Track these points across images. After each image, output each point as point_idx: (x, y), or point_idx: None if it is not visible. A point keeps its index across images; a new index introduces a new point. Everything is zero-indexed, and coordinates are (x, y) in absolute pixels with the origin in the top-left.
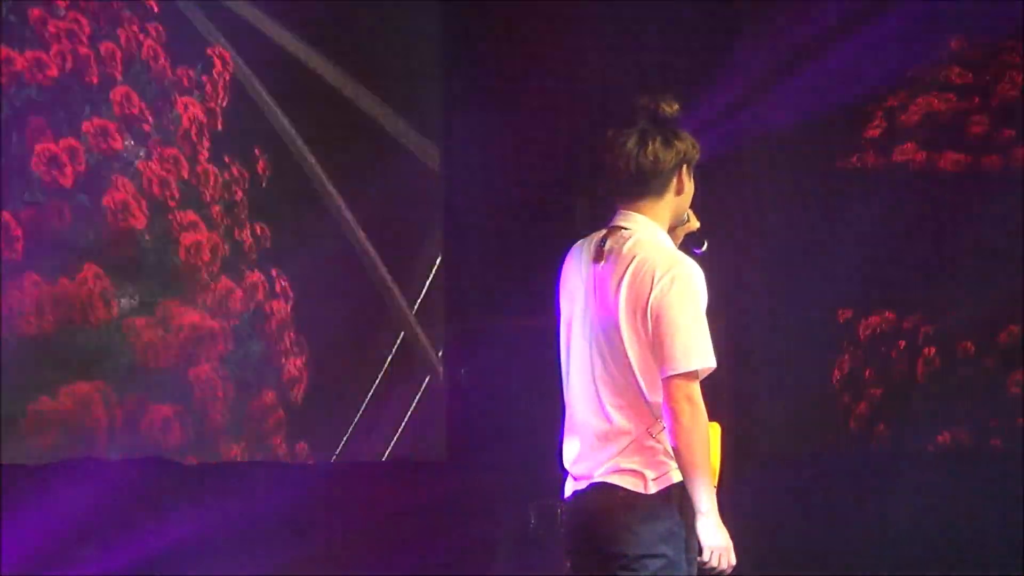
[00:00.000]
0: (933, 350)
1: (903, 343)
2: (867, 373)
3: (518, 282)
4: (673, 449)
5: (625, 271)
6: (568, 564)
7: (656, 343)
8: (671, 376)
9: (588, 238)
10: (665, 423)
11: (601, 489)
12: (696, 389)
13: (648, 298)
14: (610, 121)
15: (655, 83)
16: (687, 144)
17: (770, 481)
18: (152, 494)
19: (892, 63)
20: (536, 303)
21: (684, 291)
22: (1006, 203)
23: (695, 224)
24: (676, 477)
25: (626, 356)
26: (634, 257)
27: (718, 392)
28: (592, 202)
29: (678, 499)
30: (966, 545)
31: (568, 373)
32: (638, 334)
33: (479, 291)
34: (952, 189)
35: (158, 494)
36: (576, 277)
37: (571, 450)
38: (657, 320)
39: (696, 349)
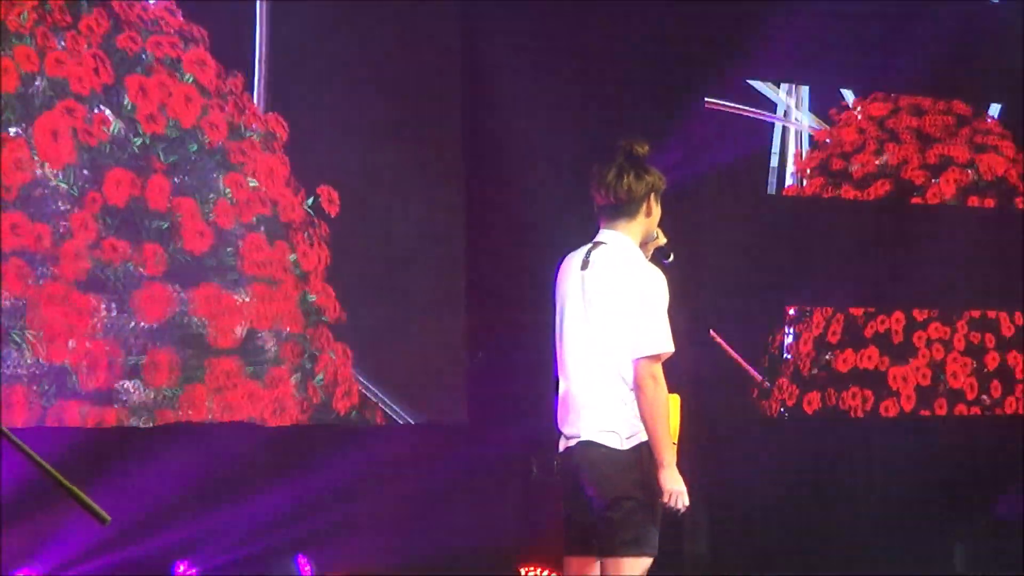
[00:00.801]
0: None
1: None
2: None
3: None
4: (640, 416)
5: (603, 277)
6: (567, 510)
7: (625, 332)
8: (638, 359)
9: (577, 250)
10: (634, 385)
11: (586, 445)
12: (658, 369)
13: (620, 298)
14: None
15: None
16: (655, 177)
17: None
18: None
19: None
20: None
21: (648, 292)
22: None
23: (663, 240)
24: (644, 437)
25: (605, 342)
26: (610, 267)
27: (678, 371)
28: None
29: (646, 454)
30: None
31: (562, 355)
32: (614, 326)
33: (498, 283)
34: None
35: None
36: (568, 280)
37: (563, 415)
38: (626, 315)
39: (657, 337)
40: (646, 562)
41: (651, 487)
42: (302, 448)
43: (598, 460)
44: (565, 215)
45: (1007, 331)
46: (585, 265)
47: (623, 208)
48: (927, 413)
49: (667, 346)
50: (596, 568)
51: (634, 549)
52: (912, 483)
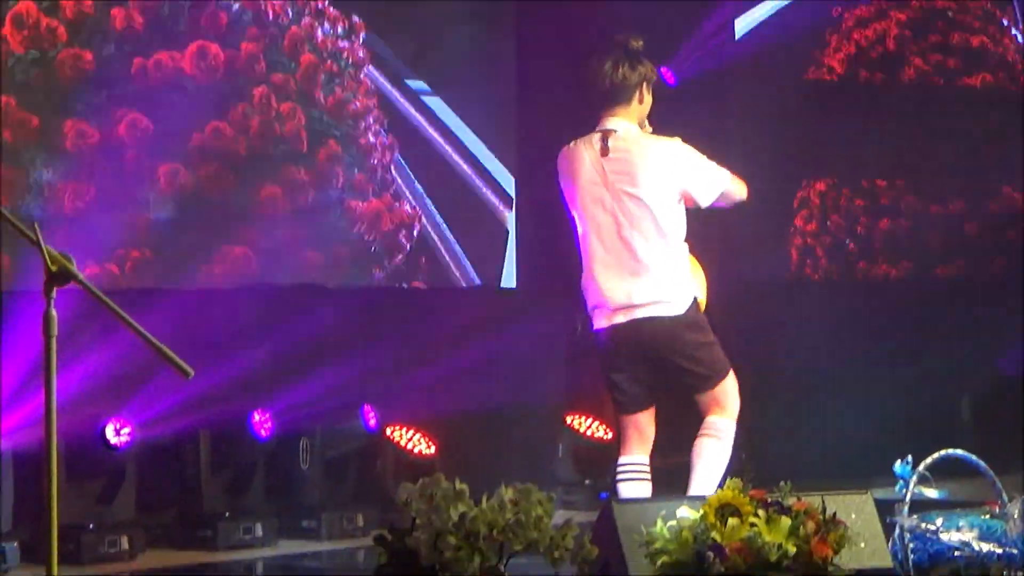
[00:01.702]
0: None
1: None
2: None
3: None
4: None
5: (639, 156)
6: (626, 373)
7: (699, 185)
8: (717, 197)
9: (577, 141)
10: (730, 205)
11: (651, 316)
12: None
13: (673, 165)
14: None
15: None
16: (647, 68)
17: None
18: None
19: None
20: None
21: (685, 149)
22: None
23: (649, 130)
24: (691, 297)
25: (651, 213)
26: (639, 146)
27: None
28: None
29: (698, 308)
30: None
31: (588, 236)
32: (665, 195)
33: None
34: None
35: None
36: (584, 169)
37: (609, 290)
38: (691, 175)
39: (722, 172)
40: (732, 376)
41: (709, 328)
42: (366, 311)
43: (669, 326)
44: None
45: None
46: (606, 152)
47: (619, 95)
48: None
49: (727, 172)
50: (652, 420)
51: (724, 371)
52: (920, 340)
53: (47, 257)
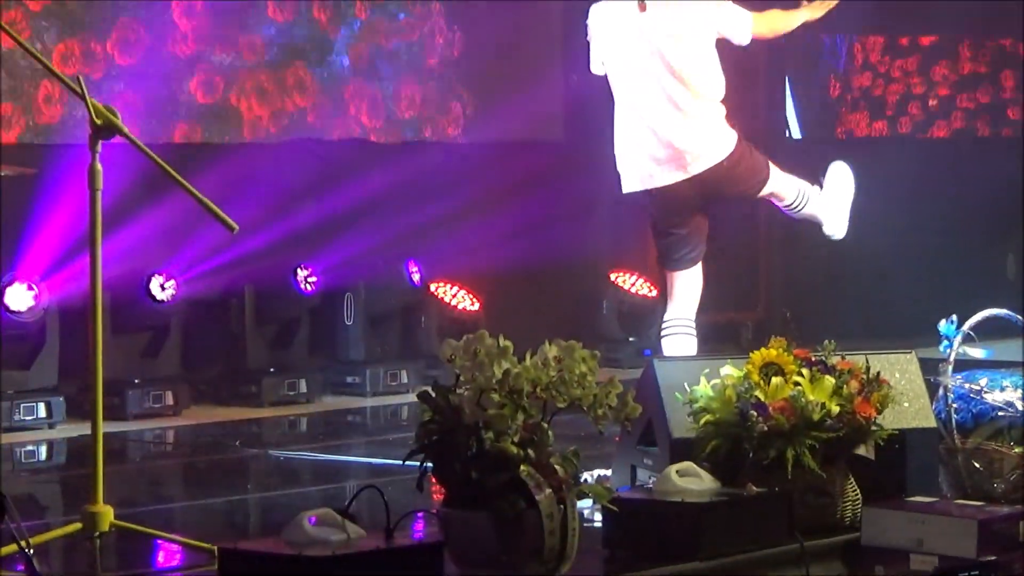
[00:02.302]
0: None
1: None
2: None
3: None
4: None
5: (672, 5)
6: (680, 230)
7: (724, 30)
8: (747, 34)
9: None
10: (776, 36)
11: (703, 171)
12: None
13: (702, 11)
14: None
15: None
16: None
17: None
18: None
19: None
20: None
21: None
22: None
23: None
24: (735, 134)
25: (692, 63)
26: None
27: None
28: None
29: (745, 145)
30: None
31: (635, 96)
32: (702, 45)
33: None
34: None
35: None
36: (624, 26)
37: (657, 149)
38: (718, 19)
39: (746, 16)
40: None
41: (760, 159)
42: (410, 164)
43: (725, 169)
44: None
45: None
46: (643, 7)
47: None
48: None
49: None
50: (699, 277)
51: (766, 176)
52: (968, 200)
53: (92, 110)
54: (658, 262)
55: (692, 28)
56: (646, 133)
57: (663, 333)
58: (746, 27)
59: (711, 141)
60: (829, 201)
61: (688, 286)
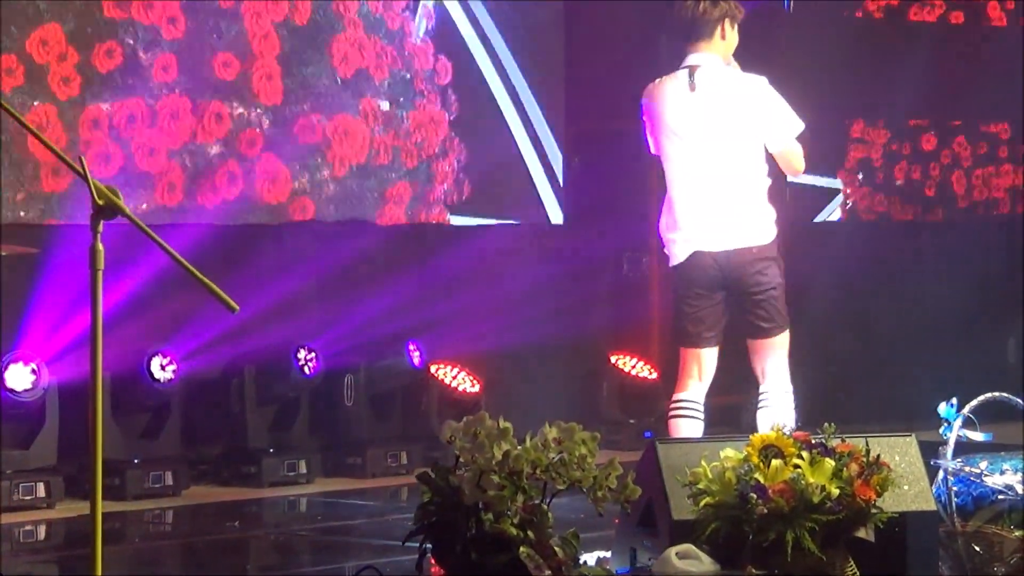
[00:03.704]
0: None
1: None
2: None
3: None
4: (793, 174)
5: (721, 91)
6: (699, 304)
7: (769, 127)
8: (789, 141)
9: (663, 78)
10: (788, 170)
11: (736, 248)
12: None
13: (751, 102)
14: None
15: None
16: (730, 4)
17: None
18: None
19: None
20: (635, 111)
21: (771, 90)
22: None
23: (735, 68)
24: (775, 230)
25: (736, 147)
26: (722, 81)
27: None
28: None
29: (777, 244)
30: None
31: (680, 171)
32: (745, 130)
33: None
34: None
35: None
36: (672, 104)
37: (691, 223)
38: (766, 115)
39: (795, 119)
40: (787, 333)
41: (783, 270)
42: (410, 246)
43: (753, 258)
44: (657, 30)
45: None
46: (693, 87)
47: (700, 30)
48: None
49: (802, 124)
50: (714, 359)
51: (785, 326)
52: (969, 282)
53: (94, 190)
54: (673, 338)
55: (737, 114)
56: (685, 208)
57: (670, 413)
58: (786, 138)
59: (746, 223)
60: None
61: (701, 366)
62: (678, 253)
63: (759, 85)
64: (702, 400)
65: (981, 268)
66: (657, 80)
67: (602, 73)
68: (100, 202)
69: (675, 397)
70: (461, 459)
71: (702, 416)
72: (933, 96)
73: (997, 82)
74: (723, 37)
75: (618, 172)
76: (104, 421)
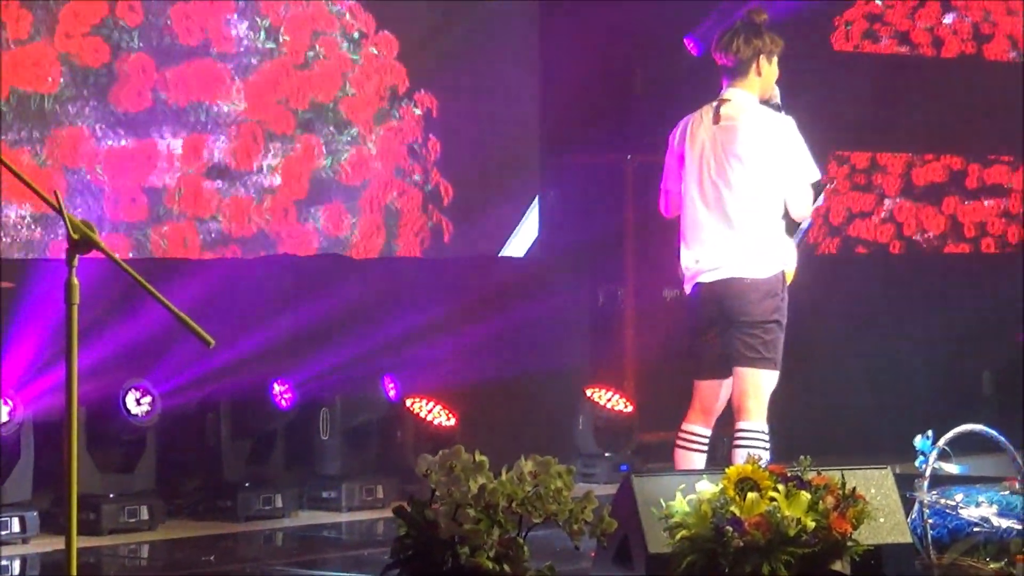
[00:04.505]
0: None
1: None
2: None
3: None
4: (800, 218)
5: (744, 126)
6: (702, 336)
7: (784, 168)
8: (803, 187)
9: (700, 110)
10: (795, 214)
11: (735, 277)
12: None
13: (771, 141)
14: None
15: None
16: (764, 41)
17: None
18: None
19: None
20: (610, 144)
21: (792, 132)
22: None
23: (777, 98)
24: (780, 267)
25: (752, 183)
26: (747, 117)
27: None
28: (646, 70)
29: (782, 281)
30: None
31: (693, 201)
32: (762, 167)
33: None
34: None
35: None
36: (699, 135)
37: (699, 253)
38: (782, 156)
39: (813, 166)
40: (776, 376)
41: (784, 311)
42: (385, 279)
43: (748, 288)
44: (634, 64)
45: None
46: (717, 119)
47: (735, 68)
48: (961, 250)
49: (818, 173)
50: (726, 389)
51: (772, 364)
52: (944, 314)
53: (69, 225)
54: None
55: (755, 148)
56: (696, 236)
57: (677, 443)
58: (799, 182)
59: (744, 255)
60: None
61: (703, 398)
62: (686, 286)
63: (784, 125)
64: (704, 432)
65: (956, 301)
66: (695, 112)
67: (578, 107)
68: (75, 236)
69: (682, 427)
70: (437, 493)
71: (704, 448)
72: (898, 130)
73: (941, 116)
74: (759, 73)
75: (594, 205)
76: (79, 455)
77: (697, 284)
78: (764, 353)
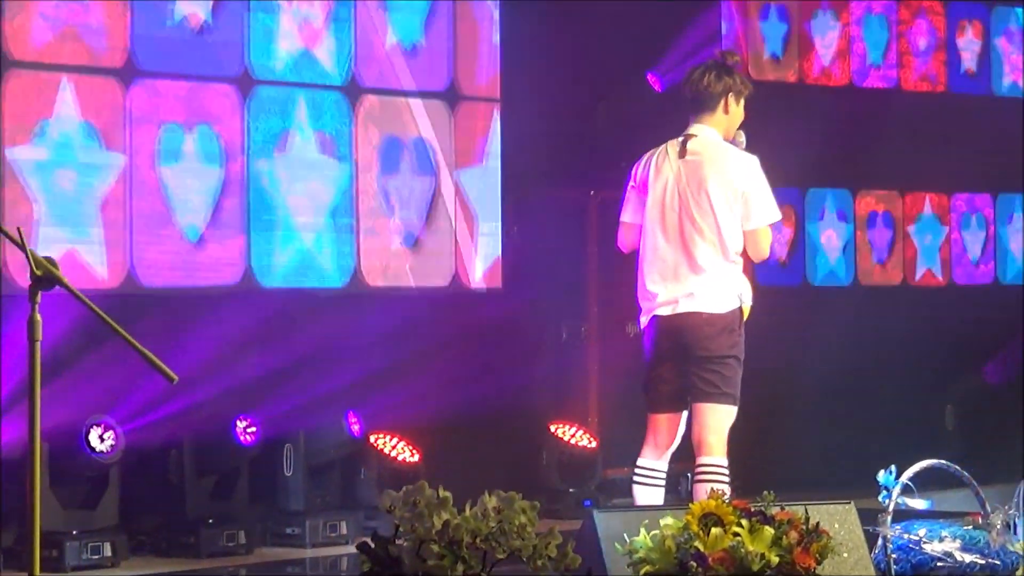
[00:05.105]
0: None
1: None
2: None
3: (561, 163)
4: (760, 259)
5: (710, 162)
6: (658, 370)
7: (746, 207)
8: (760, 227)
9: (666, 144)
10: (753, 253)
11: (692, 311)
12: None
13: (735, 179)
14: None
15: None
16: (735, 80)
17: None
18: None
19: None
20: (573, 180)
21: (755, 170)
22: None
23: (742, 141)
24: (737, 303)
25: (715, 218)
26: (713, 153)
27: None
28: (609, 105)
29: (739, 317)
30: None
31: (658, 234)
32: (725, 204)
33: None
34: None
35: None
36: (664, 169)
37: (660, 285)
38: (746, 195)
39: (774, 207)
40: (734, 411)
41: (742, 346)
42: (349, 313)
43: (705, 322)
44: (598, 99)
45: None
46: (683, 154)
47: (702, 102)
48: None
49: (779, 214)
50: (682, 424)
51: (731, 400)
52: (906, 349)
53: (32, 261)
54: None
55: (717, 185)
56: (658, 272)
57: (634, 479)
58: (760, 219)
59: (702, 290)
60: None
61: (658, 432)
62: (642, 319)
63: (747, 164)
64: (660, 466)
65: (919, 335)
66: (660, 147)
67: (541, 142)
68: (38, 272)
69: (638, 463)
70: (401, 529)
71: (661, 483)
72: (861, 166)
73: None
74: (726, 111)
75: (557, 241)
76: (42, 492)
77: (655, 317)
78: (723, 388)
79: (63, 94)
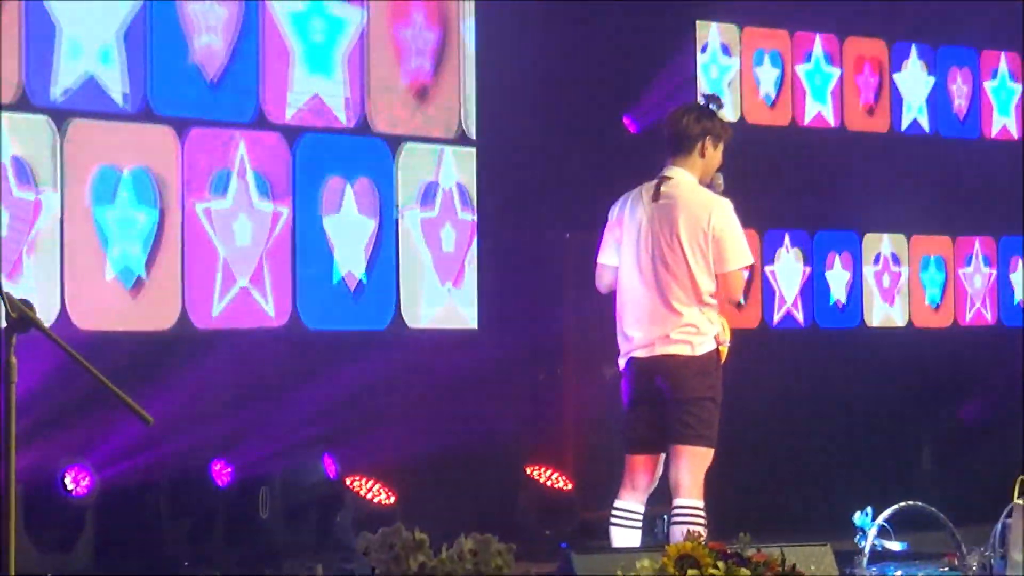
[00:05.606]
0: None
1: None
2: None
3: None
4: (732, 303)
5: (682, 205)
6: (636, 412)
7: (718, 251)
8: (733, 270)
9: (642, 186)
10: (725, 297)
11: (668, 353)
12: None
13: (706, 223)
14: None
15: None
16: (714, 123)
17: None
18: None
19: None
20: (551, 220)
21: (729, 214)
22: None
23: (720, 186)
24: (714, 345)
25: (687, 262)
26: (686, 196)
27: None
28: (583, 150)
29: (716, 359)
30: None
31: (633, 275)
32: (696, 247)
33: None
34: None
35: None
36: (638, 211)
37: (636, 326)
38: (717, 238)
39: (747, 251)
40: (711, 453)
41: (719, 389)
42: (324, 354)
43: (681, 365)
44: (570, 139)
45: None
46: (657, 197)
47: (679, 143)
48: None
49: (751, 258)
50: (659, 466)
51: (708, 442)
52: (882, 390)
53: (7, 304)
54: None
55: (688, 227)
56: (632, 312)
57: (611, 521)
58: (730, 263)
59: (678, 333)
60: None
61: (635, 474)
62: (620, 361)
63: (720, 208)
64: (637, 508)
65: (894, 376)
66: (635, 189)
67: (516, 183)
68: (13, 315)
69: (615, 504)
70: (377, 571)
71: (637, 524)
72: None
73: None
74: (702, 154)
75: (533, 283)
76: (16, 535)
77: (632, 359)
78: (700, 430)
79: None
